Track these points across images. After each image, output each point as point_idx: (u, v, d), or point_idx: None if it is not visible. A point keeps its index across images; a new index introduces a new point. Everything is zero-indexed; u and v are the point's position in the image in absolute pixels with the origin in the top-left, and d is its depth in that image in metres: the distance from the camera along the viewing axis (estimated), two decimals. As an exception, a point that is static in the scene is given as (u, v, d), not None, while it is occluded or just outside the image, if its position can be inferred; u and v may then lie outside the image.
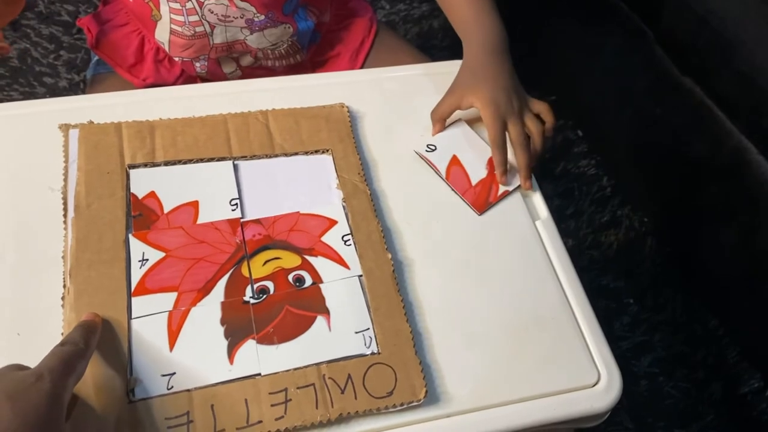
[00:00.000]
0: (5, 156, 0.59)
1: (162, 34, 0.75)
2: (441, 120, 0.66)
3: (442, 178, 0.63)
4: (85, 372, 0.45)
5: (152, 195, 0.57)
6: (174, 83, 0.80)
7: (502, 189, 0.63)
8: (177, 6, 0.71)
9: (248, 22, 0.74)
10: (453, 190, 0.62)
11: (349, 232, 0.57)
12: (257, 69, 0.83)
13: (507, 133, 0.64)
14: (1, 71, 1.36)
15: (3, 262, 0.52)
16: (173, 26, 0.73)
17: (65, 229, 0.54)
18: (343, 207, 0.59)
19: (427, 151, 0.65)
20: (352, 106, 0.67)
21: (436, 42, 1.52)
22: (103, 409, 0.45)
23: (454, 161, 0.64)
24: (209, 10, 0.72)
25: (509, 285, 0.56)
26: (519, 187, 0.64)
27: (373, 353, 0.50)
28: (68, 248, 0.52)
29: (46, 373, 0.39)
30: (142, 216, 0.56)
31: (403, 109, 0.68)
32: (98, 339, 0.47)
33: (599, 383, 0.52)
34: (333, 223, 0.57)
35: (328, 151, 0.62)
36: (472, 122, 0.68)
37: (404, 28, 1.55)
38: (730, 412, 1.06)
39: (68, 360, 0.41)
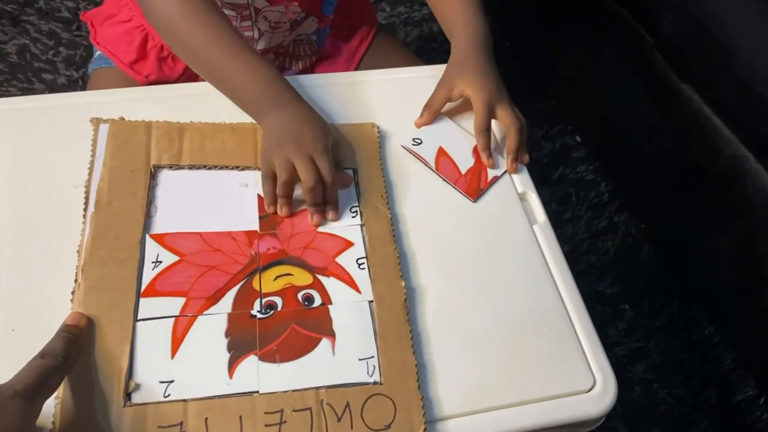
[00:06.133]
0: (2, 151, 0.58)
1: None
2: (434, 113, 0.68)
3: (431, 169, 0.64)
4: (85, 370, 0.45)
5: None
6: (177, 81, 0.80)
7: (491, 175, 0.64)
8: (232, 13, 0.72)
9: (292, 24, 0.75)
10: (444, 179, 0.63)
11: (364, 255, 0.56)
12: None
13: (497, 119, 0.66)
14: (0, 67, 1.35)
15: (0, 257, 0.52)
16: None
17: (84, 223, 0.53)
18: (361, 229, 0.58)
19: (413, 144, 0.66)
20: (347, 106, 0.67)
21: (436, 45, 1.52)
22: (99, 410, 0.45)
23: (441, 153, 0.65)
24: (264, 17, 0.73)
25: (506, 289, 0.56)
26: (506, 172, 0.65)
27: (375, 383, 0.49)
28: (84, 243, 0.52)
29: (20, 389, 0.39)
30: (267, 217, 0.57)
31: (400, 111, 0.68)
32: (93, 341, 0.47)
33: (594, 388, 0.52)
34: (349, 244, 0.57)
35: (353, 170, 0.62)
36: (452, 116, 0.70)
37: (404, 31, 1.55)
38: (725, 419, 1.06)
39: (44, 376, 0.41)
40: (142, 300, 0.50)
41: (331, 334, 0.51)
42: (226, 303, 0.51)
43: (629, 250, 1.24)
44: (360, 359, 0.50)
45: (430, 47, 1.51)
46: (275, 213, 0.57)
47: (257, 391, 0.47)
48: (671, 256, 1.21)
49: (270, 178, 0.57)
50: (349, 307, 0.53)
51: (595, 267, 1.21)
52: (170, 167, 0.58)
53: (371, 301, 0.53)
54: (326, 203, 0.58)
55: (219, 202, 0.58)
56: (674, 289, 1.19)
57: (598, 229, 1.26)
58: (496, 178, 0.64)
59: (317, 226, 0.57)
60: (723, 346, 1.12)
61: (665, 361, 1.11)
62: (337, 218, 0.58)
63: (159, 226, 0.55)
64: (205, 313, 0.50)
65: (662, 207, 1.19)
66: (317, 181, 0.56)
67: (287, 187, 0.57)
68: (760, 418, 1.06)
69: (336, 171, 0.58)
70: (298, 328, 0.51)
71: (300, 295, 0.53)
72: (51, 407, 0.44)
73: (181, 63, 0.79)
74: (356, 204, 0.59)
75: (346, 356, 0.50)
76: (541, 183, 1.29)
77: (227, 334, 0.50)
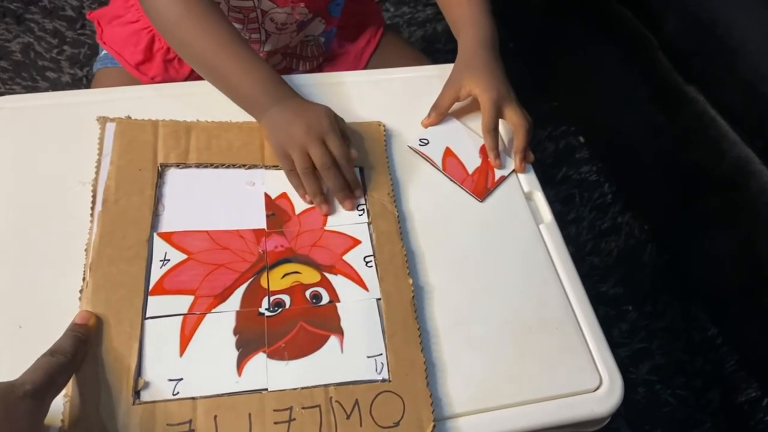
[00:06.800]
0: (6, 148, 0.59)
1: None
2: (442, 114, 0.68)
3: (439, 169, 0.64)
4: (94, 368, 0.45)
5: (284, 196, 0.58)
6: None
7: (498, 175, 0.64)
8: (239, 15, 0.72)
9: (299, 25, 0.75)
10: (451, 180, 0.63)
11: (371, 253, 0.56)
12: (281, 70, 0.83)
13: (505, 119, 0.66)
14: (4, 65, 1.36)
15: (4, 254, 0.52)
16: None
17: (91, 221, 0.54)
18: (368, 226, 0.58)
19: (420, 145, 0.66)
20: (353, 105, 0.67)
21: (440, 45, 1.52)
22: (107, 409, 0.45)
23: (448, 153, 0.65)
24: (270, 19, 0.73)
25: (513, 287, 0.56)
26: (513, 172, 0.65)
27: (383, 380, 0.49)
28: (92, 242, 0.52)
29: (30, 389, 0.39)
30: (275, 216, 0.57)
31: (406, 110, 0.68)
32: (102, 340, 0.47)
33: (601, 388, 0.52)
34: (356, 242, 0.57)
35: (359, 168, 0.62)
36: (459, 116, 0.70)
37: (408, 31, 1.55)
38: (728, 421, 1.06)
39: (52, 374, 0.41)
40: (150, 298, 0.50)
41: (340, 332, 0.51)
42: (234, 301, 0.51)
43: (632, 251, 1.24)
44: (368, 357, 0.50)
45: (434, 48, 1.51)
46: (313, 204, 0.58)
47: (266, 389, 0.47)
48: (674, 257, 1.21)
49: (294, 171, 0.58)
50: (357, 305, 0.53)
51: (599, 268, 1.21)
52: (177, 166, 0.59)
53: (379, 299, 0.53)
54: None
55: (226, 200, 0.58)
56: (677, 290, 1.18)
57: (601, 230, 1.26)
58: (503, 178, 0.64)
59: (350, 209, 0.58)
60: (726, 347, 1.12)
61: (668, 362, 1.11)
62: (362, 195, 0.59)
63: (166, 224, 0.55)
64: (213, 311, 0.50)
65: (665, 208, 1.19)
66: (332, 161, 0.57)
67: (312, 178, 0.57)
68: (763, 419, 1.06)
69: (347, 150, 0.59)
70: (306, 325, 0.51)
71: (308, 293, 0.53)
72: (60, 405, 0.44)
73: (187, 66, 0.79)
74: (363, 202, 0.59)
75: (355, 354, 0.50)
76: (544, 184, 1.28)
77: (235, 332, 0.50)
